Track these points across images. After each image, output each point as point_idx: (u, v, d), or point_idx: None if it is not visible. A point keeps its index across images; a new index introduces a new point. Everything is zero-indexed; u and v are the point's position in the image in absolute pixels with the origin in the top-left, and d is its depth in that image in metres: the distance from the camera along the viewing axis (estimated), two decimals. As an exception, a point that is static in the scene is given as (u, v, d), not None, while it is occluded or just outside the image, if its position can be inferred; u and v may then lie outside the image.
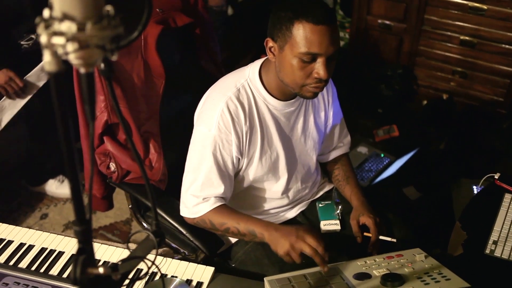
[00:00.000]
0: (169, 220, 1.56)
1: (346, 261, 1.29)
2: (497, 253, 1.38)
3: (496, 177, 1.64)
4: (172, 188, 1.63)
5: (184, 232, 1.54)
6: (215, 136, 1.38)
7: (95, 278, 0.72)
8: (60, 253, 1.36)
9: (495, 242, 1.42)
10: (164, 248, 1.86)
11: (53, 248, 1.38)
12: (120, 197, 2.54)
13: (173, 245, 1.67)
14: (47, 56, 0.58)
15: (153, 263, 0.88)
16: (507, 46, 2.87)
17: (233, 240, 1.57)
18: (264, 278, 1.24)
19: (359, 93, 3.30)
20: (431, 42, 3.10)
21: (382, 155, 2.84)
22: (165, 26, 1.60)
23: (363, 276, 1.19)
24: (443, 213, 2.39)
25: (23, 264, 1.33)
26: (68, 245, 1.39)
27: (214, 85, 1.48)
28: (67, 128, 0.63)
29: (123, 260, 0.85)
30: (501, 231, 1.45)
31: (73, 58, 0.61)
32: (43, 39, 0.57)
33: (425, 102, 3.27)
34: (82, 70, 0.63)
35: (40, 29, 0.59)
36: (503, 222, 1.48)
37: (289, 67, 1.31)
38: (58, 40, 0.57)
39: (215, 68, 1.91)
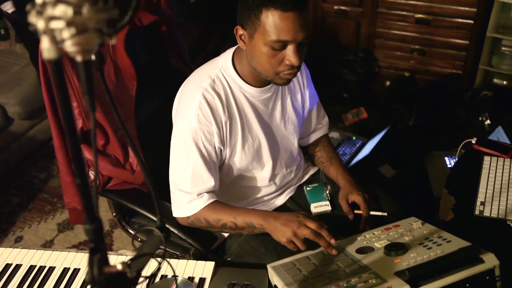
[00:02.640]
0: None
1: (346, 238, 1.29)
2: (486, 213, 1.42)
3: (474, 141, 1.68)
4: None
5: (176, 232, 1.50)
6: (196, 128, 1.35)
7: (111, 277, 0.69)
8: (51, 269, 1.30)
9: (482, 203, 1.45)
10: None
11: (43, 265, 1.32)
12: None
13: (167, 249, 1.63)
14: (45, 43, 0.55)
15: (163, 258, 0.85)
16: (459, 20, 2.96)
17: (226, 233, 1.55)
18: (268, 265, 1.22)
19: (324, 80, 3.33)
20: (387, 23, 3.16)
21: (354, 138, 2.88)
22: (132, 26, 1.57)
23: (366, 250, 1.20)
24: (420, 186, 2.45)
25: (13, 285, 1.26)
26: (58, 260, 1.33)
27: (187, 79, 1.45)
28: (72, 119, 0.60)
29: (132, 259, 0.81)
30: (486, 191, 1.49)
31: (69, 45, 0.58)
32: (40, 24, 0.54)
33: (388, 83, 3.33)
34: (79, 58, 0.60)
35: (33, 17, 0.56)
36: (487, 183, 1.52)
37: (260, 55, 1.29)
38: (57, 24, 0.54)
39: (183, 65, 1.88)
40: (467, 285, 1.03)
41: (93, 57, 0.64)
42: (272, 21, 1.22)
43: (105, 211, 2.42)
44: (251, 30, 1.28)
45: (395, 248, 1.14)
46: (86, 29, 0.57)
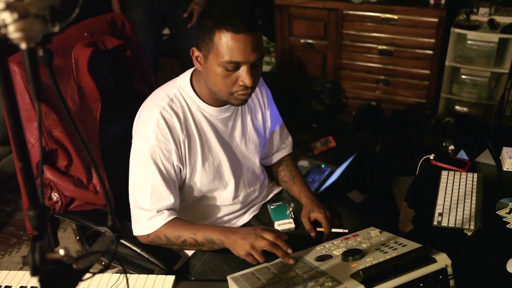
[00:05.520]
0: (121, 242, 1.51)
1: (306, 249, 1.30)
2: (444, 223, 1.45)
3: (431, 157, 1.74)
4: (119, 212, 1.58)
5: (139, 251, 1.49)
6: (154, 146, 1.37)
7: (55, 267, 0.69)
8: (7, 288, 1.27)
9: (440, 214, 1.49)
10: (119, 268, 1.79)
11: (8, 285, 1.29)
12: (63, 241, 2.42)
13: (129, 271, 1.61)
14: (-15, 24, 0.57)
15: (113, 257, 0.85)
16: (420, 51, 3.09)
17: (190, 253, 1.54)
18: (227, 277, 1.22)
19: (293, 110, 3.40)
20: (352, 55, 3.28)
21: (323, 166, 2.92)
22: (95, 49, 1.60)
23: (324, 257, 1.21)
24: (388, 210, 2.48)
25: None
26: (15, 279, 1.30)
27: (147, 98, 1.48)
28: (14, 100, 0.62)
29: (81, 257, 0.81)
30: (444, 203, 1.53)
31: (12, 31, 0.60)
32: (-20, 8, 0.56)
33: (353, 113, 3.41)
34: (23, 46, 0.63)
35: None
36: (444, 195, 1.56)
37: (214, 76, 1.33)
38: (-3, 6, 0.57)
39: (148, 90, 1.90)
40: (421, 284, 1.04)
41: (40, 52, 0.67)
42: (224, 42, 1.27)
43: (72, 242, 2.38)
44: (205, 51, 1.32)
45: (352, 254, 1.15)
46: (28, 14, 0.60)
